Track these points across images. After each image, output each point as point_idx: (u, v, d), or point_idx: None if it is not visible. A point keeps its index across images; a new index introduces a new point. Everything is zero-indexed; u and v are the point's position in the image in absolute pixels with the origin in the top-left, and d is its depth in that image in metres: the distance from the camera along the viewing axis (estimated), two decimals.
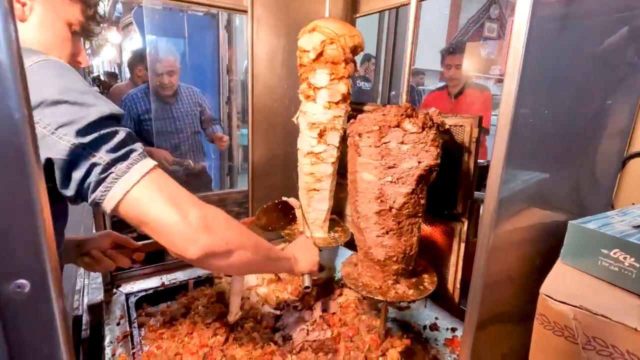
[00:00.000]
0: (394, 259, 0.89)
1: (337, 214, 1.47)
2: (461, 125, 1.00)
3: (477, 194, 1.04)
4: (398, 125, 0.80)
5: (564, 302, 0.47)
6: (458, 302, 1.12)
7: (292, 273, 1.00)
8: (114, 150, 0.60)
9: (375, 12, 1.61)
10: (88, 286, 1.45)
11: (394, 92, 3.63)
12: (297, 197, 1.32)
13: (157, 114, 2.36)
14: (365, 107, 1.34)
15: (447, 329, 1.17)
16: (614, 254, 0.50)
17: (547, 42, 0.61)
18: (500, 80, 8.49)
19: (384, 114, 0.82)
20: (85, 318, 1.30)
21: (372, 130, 0.81)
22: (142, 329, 1.11)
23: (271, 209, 1.33)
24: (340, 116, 1.16)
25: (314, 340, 1.00)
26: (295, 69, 1.22)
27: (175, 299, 1.28)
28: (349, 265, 1.04)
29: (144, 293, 1.30)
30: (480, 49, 8.42)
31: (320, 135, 1.17)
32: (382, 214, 0.86)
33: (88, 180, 0.59)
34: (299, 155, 1.26)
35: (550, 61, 0.63)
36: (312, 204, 1.27)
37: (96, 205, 0.61)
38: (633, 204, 0.94)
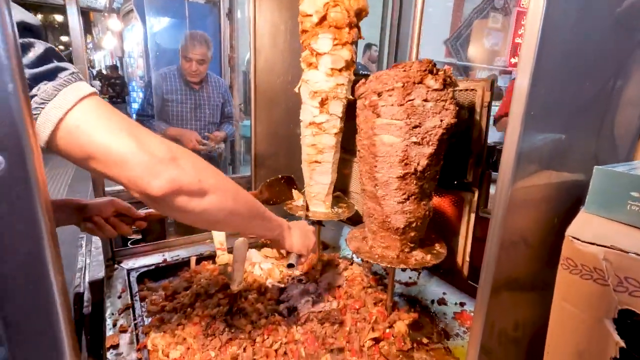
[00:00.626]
0: (413, 225, 0.86)
1: (341, 191, 1.44)
2: (473, 89, 0.96)
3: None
4: (421, 82, 0.76)
5: (593, 243, 0.44)
6: (467, 276, 1.09)
7: (279, 246, 0.91)
8: (31, 65, 0.47)
9: None
10: (90, 265, 1.43)
11: None
12: (301, 175, 1.29)
13: (181, 96, 2.37)
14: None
15: (456, 303, 1.14)
16: None
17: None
18: (504, 72, 8.41)
19: (404, 70, 0.77)
20: (86, 295, 1.28)
21: (394, 88, 0.76)
22: (144, 302, 1.09)
23: (274, 184, 1.31)
24: (343, 84, 1.12)
25: (320, 311, 0.98)
26: (297, 46, 1.19)
27: (177, 275, 1.26)
28: (356, 240, 1.00)
29: (145, 269, 1.28)
30: (484, 40, 8.32)
31: (322, 104, 1.13)
32: (406, 178, 0.82)
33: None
34: (301, 127, 1.22)
35: (567, 18, 0.60)
36: (314, 177, 1.23)
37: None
38: None
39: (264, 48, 1.50)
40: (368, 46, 4.12)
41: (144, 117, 2.34)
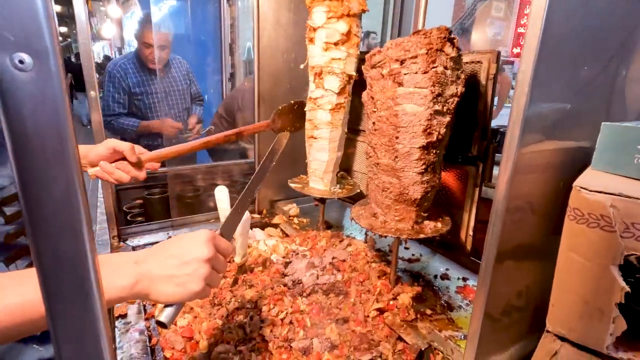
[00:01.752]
0: (428, 194, 0.87)
1: (345, 170, 1.45)
2: (478, 62, 0.96)
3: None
4: (442, 49, 0.75)
5: (600, 192, 0.44)
6: (470, 252, 1.10)
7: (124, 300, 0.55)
8: None
9: None
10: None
11: None
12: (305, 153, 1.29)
13: (147, 88, 2.21)
14: None
15: (458, 278, 1.15)
16: None
17: None
18: (507, 62, 8.35)
19: (426, 36, 0.76)
20: None
21: (417, 55, 0.74)
22: None
23: (286, 111, 1.30)
24: (339, 59, 1.10)
25: (324, 283, 0.99)
26: (302, 22, 1.18)
27: None
28: (365, 218, 0.99)
29: (150, 246, 1.29)
30: (487, 30, 8.23)
31: (315, 78, 1.13)
32: (428, 148, 0.81)
33: None
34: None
35: None
36: (312, 153, 1.23)
37: None
38: None
39: (267, 24, 1.48)
40: (367, 34, 4.09)
41: (113, 117, 2.16)
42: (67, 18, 11.05)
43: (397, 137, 0.82)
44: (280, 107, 1.28)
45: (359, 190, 1.32)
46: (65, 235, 0.26)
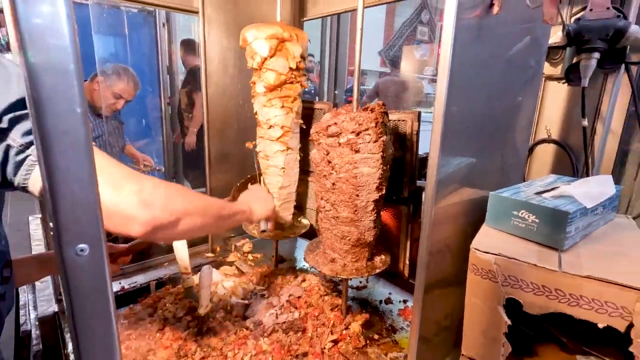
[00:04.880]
0: (375, 235, 1.03)
1: (296, 208, 1.56)
2: (404, 120, 1.15)
3: (419, 182, 1.20)
4: (383, 120, 0.93)
5: (487, 252, 0.61)
6: (407, 277, 1.27)
7: (250, 222, 1.05)
8: (28, 133, 0.57)
9: (321, 17, 1.72)
10: (34, 300, 1.37)
11: (337, 91, 3.83)
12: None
13: (96, 132, 2.16)
14: (317, 105, 1.45)
15: (400, 301, 1.31)
16: (521, 214, 0.66)
17: (468, 50, 0.75)
18: (433, 80, 9.21)
19: (372, 111, 0.93)
20: (35, 333, 1.24)
21: (369, 127, 0.91)
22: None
23: (245, 186, 1.37)
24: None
25: (284, 322, 1.08)
26: (246, 68, 1.28)
27: (137, 302, 1.27)
28: (325, 265, 1.10)
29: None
30: (415, 52, 9.03)
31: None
32: (379, 200, 0.98)
33: (8, 164, 0.57)
34: None
35: (471, 67, 0.78)
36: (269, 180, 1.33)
37: (23, 189, 0.59)
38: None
39: (215, 72, 1.55)
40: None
41: None
42: None
43: (357, 195, 0.97)
44: (238, 184, 1.36)
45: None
46: None
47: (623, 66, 1.13)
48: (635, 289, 0.50)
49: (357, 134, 0.93)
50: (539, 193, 0.71)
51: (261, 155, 1.31)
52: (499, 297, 0.60)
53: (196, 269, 1.35)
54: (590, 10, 1.06)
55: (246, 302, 1.18)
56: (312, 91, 4.11)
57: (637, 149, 1.27)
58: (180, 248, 1.12)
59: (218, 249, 1.66)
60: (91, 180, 0.29)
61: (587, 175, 1.22)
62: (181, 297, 1.20)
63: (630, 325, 0.50)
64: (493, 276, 0.60)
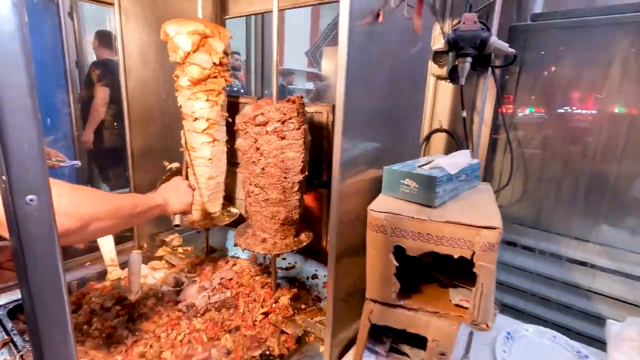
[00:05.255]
0: (300, 213, 1.15)
1: (225, 199, 1.62)
2: (320, 112, 1.29)
3: None
4: (303, 111, 1.06)
5: (380, 211, 0.77)
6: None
7: (166, 214, 1.08)
8: None
9: (243, 16, 1.80)
10: None
11: (266, 92, 3.90)
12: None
13: None
14: (242, 100, 1.53)
15: (325, 275, 1.46)
16: (406, 182, 0.83)
17: (362, 52, 0.91)
18: None
19: (294, 103, 1.04)
20: None
21: (292, 117, 1.02)
22: (24, 335, 1.05)
23: (170, 179, 1.38)
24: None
25: (216, 302, 1.15)
26: (168, 62, 1.31)
27: None
28: (257, 245, 1.18)
29: (15, 304, 1.19)
30: (335, 53, 9.42)
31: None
32: (303, 180, 1.10)
33: None
34: None
35: (366, 66, 0.94)
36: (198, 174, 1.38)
37: None
38: None
39: (134, 65, 1.53)
40: (231, 54, 4.27)
41: None
42: None
43: (285, 177, 1.08)
44: (163, 177, 1.37)
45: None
46: None
47: (490, 69, 1.42)
48: (475, 226, 0.69)
49: (283, 123, 1.04)
50: (421, 166, 0.90)
51: (188, 147, 1.35)
52: (389, 245, 0.76)
53: (123, 265, 1.34)
54: (464, 23, 1.32)
55: (178, 288, 1.22)
56: (242, 91, 4.11)
57: (502, 139, 1.59)
58: (105, 242, 1.11)
59: (145, 245, 1.64)
60: (39, 136, 0.35)
61: None
62: (108, 290, 1.18)
63: (474, 253, 0.70)
64: (384, 230, 0.76)
